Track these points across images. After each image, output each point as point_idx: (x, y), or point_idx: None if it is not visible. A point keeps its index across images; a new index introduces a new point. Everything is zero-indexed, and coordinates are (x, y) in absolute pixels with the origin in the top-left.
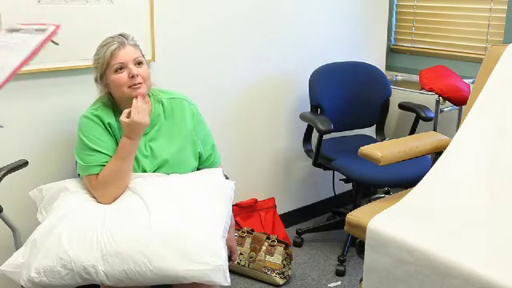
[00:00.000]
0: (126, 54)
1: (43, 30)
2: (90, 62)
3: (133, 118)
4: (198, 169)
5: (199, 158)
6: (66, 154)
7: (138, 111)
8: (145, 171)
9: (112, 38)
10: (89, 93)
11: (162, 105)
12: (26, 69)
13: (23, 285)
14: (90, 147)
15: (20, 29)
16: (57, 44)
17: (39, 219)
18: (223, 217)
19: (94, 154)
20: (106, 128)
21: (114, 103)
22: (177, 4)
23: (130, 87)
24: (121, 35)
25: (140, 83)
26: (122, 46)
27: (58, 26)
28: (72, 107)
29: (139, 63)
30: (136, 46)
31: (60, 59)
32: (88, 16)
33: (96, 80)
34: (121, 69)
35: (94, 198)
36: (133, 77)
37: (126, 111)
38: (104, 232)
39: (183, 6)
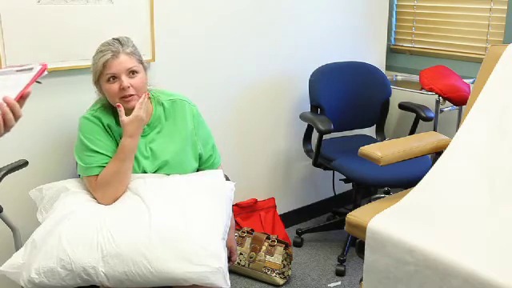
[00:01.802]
0: (119, 65)
1: (30, 69)
2: (89, 62)
3: (136, 113)
4: (198, 170)
5: (199, 159)
6: (66, 154)
7: (141, 106)
8: (145, 172)
9: (108, 44)
10: (89, 93)
11: (163, 106)
12: None
13: (23, 285)
14: (89, 148)
15: None
16: (40, 83)
17: (39, 219)
18: (223, 219)
19: (93, 155)
20: (106, 129)
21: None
22: (177, 4)
23: (121, 98)
24: (118, 40)
25: (131, 95)
26: (115, 55)
27: (44, 66)
28: (72, 107)
29: (133, 72)
30: (132, 53)
31: (60, 59)
32: (88, 16)
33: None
34: (113, 78)
35: (95, 198)
36: (123, 89)
37: (122, 111)
38: (104, 233)
39: (183, 6)
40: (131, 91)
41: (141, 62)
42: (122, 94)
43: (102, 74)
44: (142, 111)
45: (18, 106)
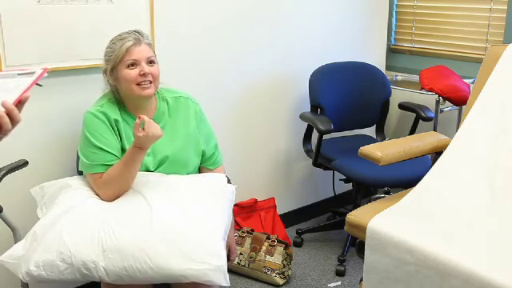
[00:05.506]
0: (141, 52)
1: (31, 73)
2: (90, 62)
3: (149, 132)
4: (200, 167)
5: (202, 155)
6: (67, 154)
7: (151, 125)
8: (148, 169)
9: (128, 33)
10: (89, 93)
11: (167, 103)
12: None
13: (21, 278)
14: (94, 145)
15: None
16: (41, 86)
17: (39, 216)
18: (224, 219)
19: (98, 153)
20: (112, 125)
21: (120, 100)
22: (177, 4)
23: (138, 84)
24: (137, 32)
25: (150, 82)
26: (137, 43)
27: (45, 69)
28: (72, 107)
29: (151, 62)
30: (150, 45)
31: (60, 59)
32: (88, 16)
33: (105, 72)
34: (133, 65)
35: (97, 195)
36: (143, 75)
37: (137, 123)
38: (105, 228)
39: (183, 6)
40: (150, 78)
41: (155, 56)
42: (141, 79)
43: (122, 60)
44: (156, 129)
45: (16, 110)
